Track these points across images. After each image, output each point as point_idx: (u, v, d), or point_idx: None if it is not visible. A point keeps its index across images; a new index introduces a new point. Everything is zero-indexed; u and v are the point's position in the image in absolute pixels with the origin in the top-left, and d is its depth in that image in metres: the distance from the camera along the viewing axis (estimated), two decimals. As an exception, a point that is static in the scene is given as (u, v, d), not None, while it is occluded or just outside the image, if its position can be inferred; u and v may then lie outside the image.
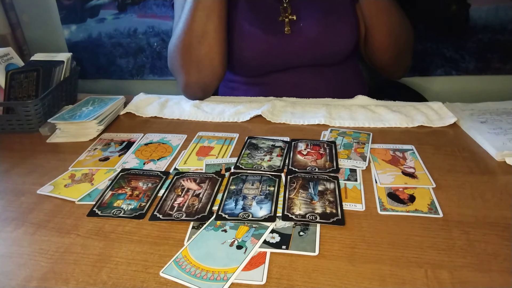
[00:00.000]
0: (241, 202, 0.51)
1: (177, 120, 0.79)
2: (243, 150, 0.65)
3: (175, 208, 0.51)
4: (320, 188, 0.54)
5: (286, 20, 0.83)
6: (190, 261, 0.42)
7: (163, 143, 0.70)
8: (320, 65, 0.87)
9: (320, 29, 0.82)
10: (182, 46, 0.79)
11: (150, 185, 0.57)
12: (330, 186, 0.54)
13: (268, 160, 0.61)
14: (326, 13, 0.83)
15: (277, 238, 0.45)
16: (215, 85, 0.85)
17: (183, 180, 0.57)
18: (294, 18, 0.82)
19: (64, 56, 0.87)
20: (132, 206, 0.52)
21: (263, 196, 0.52)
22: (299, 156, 0.62)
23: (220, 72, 0.83)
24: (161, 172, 0.60)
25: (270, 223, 0.47)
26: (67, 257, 0.44)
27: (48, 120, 0.75)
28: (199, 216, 0.49)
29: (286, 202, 0.51)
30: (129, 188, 0.56)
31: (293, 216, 0.48)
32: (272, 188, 0.54)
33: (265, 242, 0.45)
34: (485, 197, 0.51)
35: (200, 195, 0.54)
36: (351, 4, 0.85)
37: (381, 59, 0.87)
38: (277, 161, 0.61)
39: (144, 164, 0.63)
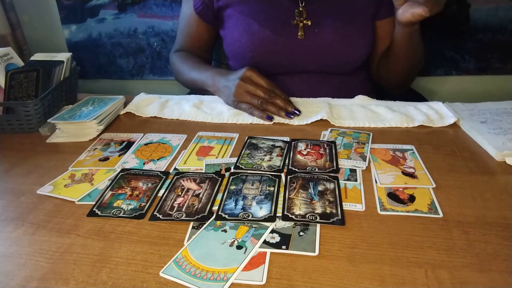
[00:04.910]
0: (241, 202, 0.51)
1: (177, 120, 0.79)
2: (243, 150, 0.64)
3: (175, 208, 0.51)
4: (320, 188, 0.54)
5: (300, 24, 0.82)
6: (190, 261, 0.42)
7: (163, 143, 0.69)
8: (329, 72, 0.86)
9: (335, 37, 0.82)
10: (177, 79, 0.98)
11: (150, 185, 0.57)
12: (330, 186, 0.54)
13: (268, 160, 0.61)
14: (345, 23, 0.82)
15: (277, 238, 0.45)
16: None
17: (183, 180, 0.57)
18: (309, 23, 0.81)
19: (64, 56, 0.87)
20: (132, 206, 0.52)
21: (263, 196, 0.52)
22: (299, 156, 0.62)
23: None
24: (161, 172, 0.60)
25: (270, 223, 0.47)
26: (67, 257, 0.44)
27: (48, 120, 0.75)
28: (199, 216, 0.49)
29: (286, 202, 0.51)
30: (129, 188, 0.56)
31: (293, 216, 0.48)
32: (272, 188, 0.54)
33: (265, 242, 0.45)
34: (485, 197, 0.51)
35: (200, 195, 0.53)
36: (370, 19, 0.85)
37: (393, 79, 0.89)
38: (277, 161, 0.61)
39: (144, 164, 0.63)
